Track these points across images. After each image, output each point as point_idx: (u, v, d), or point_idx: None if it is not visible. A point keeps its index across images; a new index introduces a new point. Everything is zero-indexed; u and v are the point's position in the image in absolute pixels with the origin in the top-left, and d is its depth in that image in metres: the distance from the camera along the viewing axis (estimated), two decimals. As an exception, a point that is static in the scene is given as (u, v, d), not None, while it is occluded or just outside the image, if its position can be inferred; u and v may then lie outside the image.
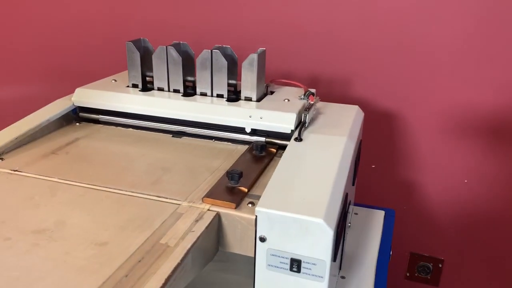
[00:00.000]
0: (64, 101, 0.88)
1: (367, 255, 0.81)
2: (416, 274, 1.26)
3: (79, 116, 0.88)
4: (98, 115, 0.87)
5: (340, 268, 0.76)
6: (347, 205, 0.70)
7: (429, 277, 1.25)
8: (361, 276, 0.76)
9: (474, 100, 1.05)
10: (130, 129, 0.86)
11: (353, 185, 0.81)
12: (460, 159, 1.11)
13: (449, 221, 1.18)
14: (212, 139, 0.82)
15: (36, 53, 1.37)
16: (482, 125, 1.07)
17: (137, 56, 0.86)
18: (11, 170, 0.69)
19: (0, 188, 0.65)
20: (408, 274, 1.27)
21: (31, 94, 1.43)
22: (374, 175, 1.19)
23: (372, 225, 0.90)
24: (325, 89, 1.14)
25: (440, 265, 1.23)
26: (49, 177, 0.67)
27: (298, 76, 1.14)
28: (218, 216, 0.61)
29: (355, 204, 0.97)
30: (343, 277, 0.75)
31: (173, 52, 0.83)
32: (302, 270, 0.58)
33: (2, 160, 0.73)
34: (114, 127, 0.87)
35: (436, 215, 1.18)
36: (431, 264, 1.24)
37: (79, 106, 0.88)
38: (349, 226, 0.88)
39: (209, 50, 0.82)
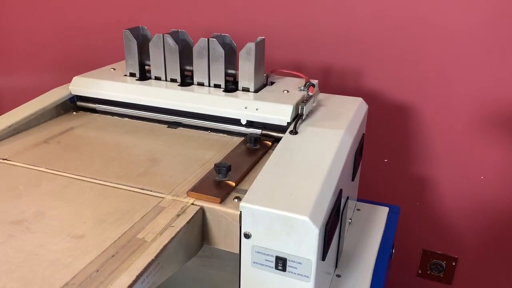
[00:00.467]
0: (62, 89, 0.87)
1: (366, 253, 0.78)
2: (428, 272, 1.23)
3: (76, 105, 0.88)
4: (95, 104, 0.86)
5: (336, 266, 0.73)
6: (343, 201, 0.67)
7: (442, 275, 1.22)
8: (358, 275, 0.73)
9: (492, 94, 1.00)
10: (126, 118, 0.85)
11: (352, 180, 0.78)
12: (476, 154, 1.06)
13: (464, 218, 1.14)
14: (208, 131, 0.80)
15: (48, 42, 1.37)
16: (501, 120, 1.02)
17: (134, 44, 0.84)
18: (0, 158, 0.69)
19: (-14, 177, 0.65)
20: (420, 272, 1.24)
21: (43, 83, 1.44)
22: (387, 169, 1.15)
23: (375, 222, 0.87)
24: (338, 81, 1.10)
25: (453, 263, 1.19)
26: (36, 166, 0.67)
27: (310, 67, 1.11)
28: (202, 211, 0.59)
29: (361, 200, 0.94)
30: (338, 276, 0.73)
31: (170, 40, 0.81)
32: (288, 269, 0.56)
33: (-6, 148, 0.72)
34: (110, 116, 0.86)
35: (450, 212, 1.14)
36: (444, 262, 1.20)
37: (76, 95, 0.87)
38: (350, 223, 0.85)
39: (206, 39, 0.79)
